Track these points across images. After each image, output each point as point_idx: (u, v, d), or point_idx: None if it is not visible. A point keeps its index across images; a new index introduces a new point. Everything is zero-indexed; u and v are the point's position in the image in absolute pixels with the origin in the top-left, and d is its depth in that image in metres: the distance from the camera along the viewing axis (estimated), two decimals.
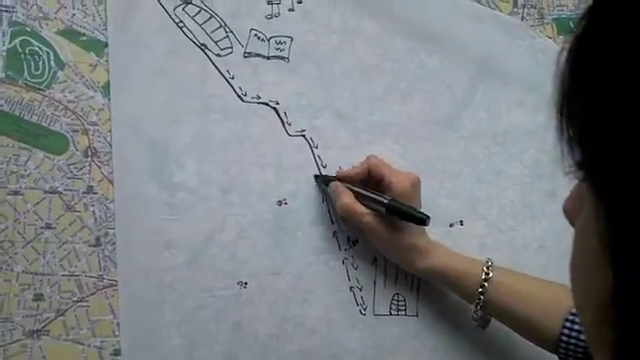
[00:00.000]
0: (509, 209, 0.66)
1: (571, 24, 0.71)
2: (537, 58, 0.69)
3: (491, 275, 0.56)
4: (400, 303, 0.61)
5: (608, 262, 0.25)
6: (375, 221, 0.56)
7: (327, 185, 0.59)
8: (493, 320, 0.58)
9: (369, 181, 0.59)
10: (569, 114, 0.27)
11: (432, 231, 0.63)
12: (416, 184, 0.58)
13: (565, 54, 0.28)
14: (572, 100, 0.27)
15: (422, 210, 0.57)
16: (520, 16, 0.69)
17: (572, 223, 0.31)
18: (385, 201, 0.56)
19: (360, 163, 0.60)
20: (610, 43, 0.25)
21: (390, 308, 0.62)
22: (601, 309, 0.26)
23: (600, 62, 0.26)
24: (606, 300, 0.26)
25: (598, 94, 0.26)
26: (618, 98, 0.25)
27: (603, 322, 0.26)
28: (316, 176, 0.60)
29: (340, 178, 0.59)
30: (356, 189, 0.58)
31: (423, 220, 0.55)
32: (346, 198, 0.57)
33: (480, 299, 0.55)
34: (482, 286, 0.55)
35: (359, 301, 0.61)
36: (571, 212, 0.30)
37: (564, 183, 0.72)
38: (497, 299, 0.55)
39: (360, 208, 0.56)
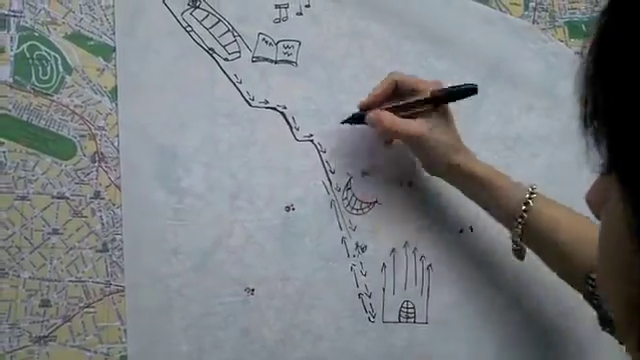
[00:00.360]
0: None
1: (583, 27, 0.70)
2: (548, 61, 0.68)
3: (535, 195, 0.55)
4: (409, 310, 0.61)
5: (637, 249, 0.25)
6: (424, 125, 0.56)
7: (359, 122, 0.58)
8: (498, 322, 0.56)
9: (398, 98, 0.58)
10: (594, 106, 0.27)
11: (441, 237, 0.62)
12: (441, 84, 0.58)
13: (591, 42, 0.27)
14: (597, 91, 0.27)
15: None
16: (531, 19, 0.68)
17: (596, 215, 0.31)
18: (427, 95, 0.56)
19: (382, 82, 0.58)
20: (638, 30, 0.25)
21: (399, 315, 0.61)
22: (630, 294, 0.26)
23: (628, 49, 0.25)
24: (635, 285, 0.26)
25: (625, 84, 0.25)
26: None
27: (633, 307, 0.26)
28: (345, 121, 0.59)
29: (368, 105, 0.58)
30: (394, 104, 0.57)
31: (474, 88, 0.56)
32: (386, 120, 0.56)
33: (523, 217, 0.54)
34: (526, 203, 0.54)
35: (368, 308, 0.60)
36: (595, 203, 0.30)
37: (575, 188, 0.71)
38: (538, 222, 0.54)
39: (404, 121, 0.56)
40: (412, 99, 0.57)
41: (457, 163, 0.57)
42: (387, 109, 0.57)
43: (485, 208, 0.58)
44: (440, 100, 0.56)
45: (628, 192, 0.26)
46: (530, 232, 0.54)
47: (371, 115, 0.57)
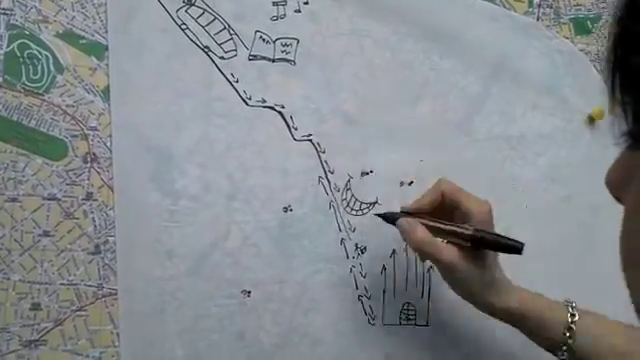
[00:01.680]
0: (524, 214, 0.64)
1: (589, 24, 0.68)
2: (553, 59, 0.67)
3: (577, 319, 0.51)
4: (410, 312, 0.60)
5: None
6: (457, 256, 0.50)
7: (394, 222, 0.54)
8: (500, 325, 0.55)
9: (441, 209, 0.54)
10: (623, 76, 0.26)
11: None
12: (491, 211, 0.53)
13: (617, 15, 0.26)
14: (628, 61, 0.25)
15: None
16: (535, 16, 0.67)
17: (617, 197, 0.29)
18: (469, 232, 0.50)
19: (430, 190, 0.54)
20: None
21: (400, 317, 0.60)
22: None
23: None
24: None
25: None
26: None
27: None
28: (379, 215, 0.56)
29: (410, 212, 0.54)
30: (431, 223, 0.52)
31: (518, 248, 0.49)
32: (419, 234, 0.51)
33: (567, 345, 0.50)
34: (569, 329, 0.50)
35: (367, 310, 0.59)
36: (616, 184, 0.29)
37: (579, 188, 0.70)
38: (584, 347, 0.50)
39: (438, 243, 0.51)
40: (452, 227, 0.51)
41: (490, 302, 0.52)
42: (425, 224, 0.52)
43: (529, 336, 0.54)
44: (479, 244, 0.50)
45: None
46: (577, 352, 0.50)
47: (404, 224, 0.52)
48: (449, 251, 0.50)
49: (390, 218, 0.54)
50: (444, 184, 0.54)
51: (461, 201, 0.53)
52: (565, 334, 0.50)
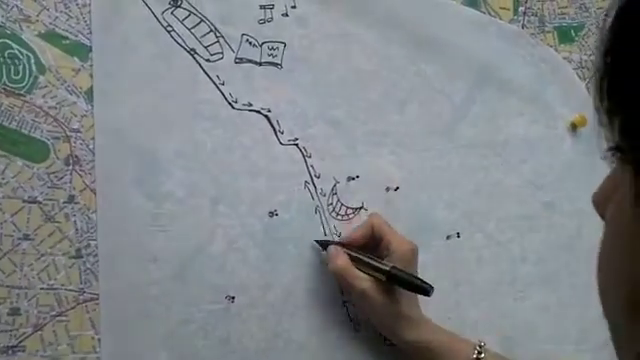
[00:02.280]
0: (507, 221, 0.65)
1: (572, 33, 0.69)
2: (537, 67, 0.67)
3: (483, 356, 0.54)
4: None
5: None
6: (371, 287, 0.54)
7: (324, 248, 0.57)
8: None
9: (368, 242, 0.57)
10: (610, 87, 0.26)
11: (429, 243, 0.61)
12: (415, 251, 0.56)
13: (608, 24, 0.26)
14: (615, 71, 0.26)
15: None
16: (520, 24, 0.67)
17: (602, 215, 0.30)
18: (386, 268, 0.53)
19: (363, 223, 0.58)
20: None
21: None
22: (636, 300, 0.25)
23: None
24: None
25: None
26: None
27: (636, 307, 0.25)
28: (317, 241, 0.58)
29: (342, 242, 0.57)
30: (354, 254, 0.55)
31: (427, 291, 0.53)
32: (340, 261, 0.54)
33: None
34: None
35: (352, 316, 0.59)
36: (601, 204, 0.29)
37: (563, 195, 0.70)
38: None
39: (355, 272, 0.54)
40: (371, 261, 0.55)
41: (400, 334, 0.55)
42: (350, 255, 0.55)
43: None
44: (392, 280, 0.53)
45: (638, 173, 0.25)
46: None
47: (331, 250, 0.56)
48: (363, 281, 0.54)
49: (324, 245, 0.57)
50: (374, 219, 0.57)
51: (384, 235, 0.56)
52: None
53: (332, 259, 0.55)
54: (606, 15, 0.26)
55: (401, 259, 0.54)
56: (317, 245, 0.58)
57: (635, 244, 0.25)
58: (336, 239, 0.58)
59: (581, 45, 0.69)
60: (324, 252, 0.57)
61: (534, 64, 0.67)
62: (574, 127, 0.68)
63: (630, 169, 0.25)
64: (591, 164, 0.68)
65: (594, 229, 0.71)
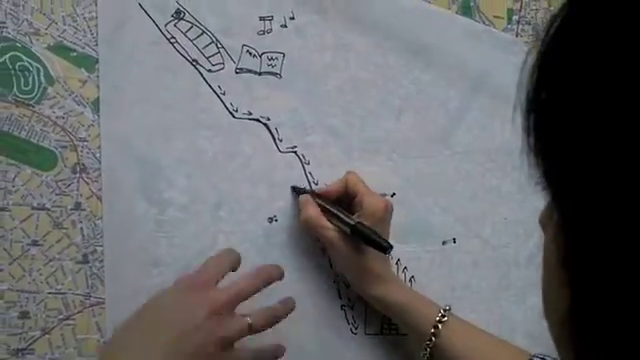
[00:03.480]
0: (503, 226, 0.66)
1: None
2: None
3: (446, 319, 0.54)
4: (392, 322, 0.61)
5: (566, 279, 0.25)
6: (337, 238, 0.55)
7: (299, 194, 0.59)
8: None
9: (343, 198, 0.58)
10: (534, 123, 0.27)
11: (425, 248, 0.62)
12: (389, 209, 0.57)
13: (532, 59, 0.27)
14: (536, 108, 0.27)
15: (395, 232, 0.56)
16: (514, 32, 0.69)
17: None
18: (351, 222, 0.54)
19: (338, 179, 0.59)
20: (580, 50, 0.24)
21: (382, 327, 0.61)
22: (562, 324, 0.26)
23: (566, 72, 0.25)
24: (564, 316, 0.26)
25: (560, 102, 0.25)
26: (580, 109, 0.24)
27: (564, 337, 0.26)
28: (293, 187, 0.59)
29: (316, 193, 0.58)
30: (326, 205, 0.57)
31: (385, 248, 0.53)
32: (310, 211, 0.56)
33: (431, 340, 0.54)
34: (435, 327, 0.54)
35: (350, 320, 0.60)
36: (545, 226, 0.30)
37: None
38: (448, 345, 0.53)
39: (323, 222, 0.55)
40: (340, 214, 0.56)
41: (368, 289, 0.56)
42: (321, 205, 0.56)
43: (401, 327, 0.58)
44: (355, 234, 0.54)
45: (557, 209, 0.26)
46: (440, 350, 0.53)
47: (303, 199, 0.57)
48: (331, 232, 0.55)
49: (299, 192, 0.58)
50: (350, 175, 0.58)
51: (358, 192, 0.57)
52: (431, 331, 0.54)
53: (303, 207, 0.56)
54: (535, 49, 0.26)
55: (372, 216, 0.55)
56: (292, 191, 0.59)
57: (556, 279, 0.26)
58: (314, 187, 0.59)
59: None
60: (297, 198, 0.58)
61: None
62: None
63: (553, 209, 0.26)
64: None
65: None
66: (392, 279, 0.57)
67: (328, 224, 0.55)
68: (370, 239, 0.54)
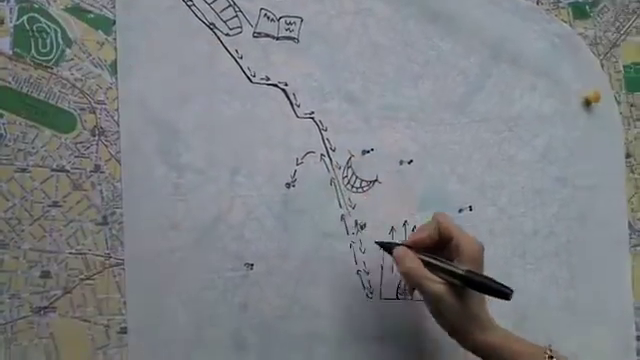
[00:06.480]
0: (519, 195, 0.66)
1: (587, 8, 0.69)
2: (552, 42, 0.68)
3: None
4: (406, 287, 0.61)
5: None
6: (444, 290, 0.52)
7: (390, 252, 0.56)
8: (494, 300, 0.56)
9: (436, 241, 0.56)
10: None
11: None
12: (482, 251, 0.54)
13: None
14: None
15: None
16: (535, 0, 0.68)
17: None
18: (461, 272, 0.52)
19: (427, 223, 0.56)
20: None
21: (397, 292, 0.61)
22: None
23: None
24: None
25: None
26: None
27: None
28: (378, 243, 0.58)
29: (409, 244, 0.55)
30: (426, 258, 0.54)
31: (507, 294, 0.51)
32: (411, 263, 0.53)
33: None
34: None
35: (366, 285, 0.60)
36: None
37: (575, 170, 0.71)
38: None
39: (427, 274, 0.53)
40: (445, 265, 0.53)
41: (471, 336, 0.53)
42: (421, 259, 0.54)
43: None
44: (467, 284, 0.52)
45: None
46: None
47: (399, 252, 0.55)
48: (437, 284, 0.52)
49: (387, 247, 0.56)
50: (440, 218, 0.56)
51: (453, 236, 0.54)
52: None
53: (401, 261, 0.54)
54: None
55: (471, 260, 0.53)
56: (380, 247, 0.57)
57: None
58: (403, 241, 0.58)
59: (596, 21, 0.70)
60: (383, 251, 0.57)
61: (548, 39, 0.68)
62: (588, 103, 0.68)
63: None
64: (604, 140, 0.69)
65: (605, 203, 0.72)
66: (492, 323, 0.55)
67: (433, 276, 0.53)
68: (488, 287, 0.52)
